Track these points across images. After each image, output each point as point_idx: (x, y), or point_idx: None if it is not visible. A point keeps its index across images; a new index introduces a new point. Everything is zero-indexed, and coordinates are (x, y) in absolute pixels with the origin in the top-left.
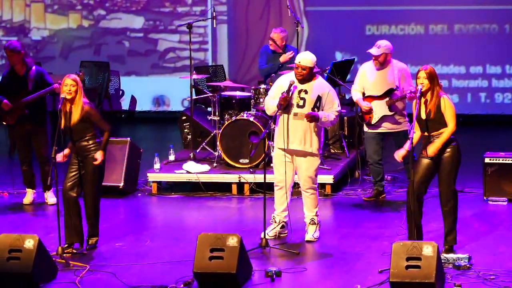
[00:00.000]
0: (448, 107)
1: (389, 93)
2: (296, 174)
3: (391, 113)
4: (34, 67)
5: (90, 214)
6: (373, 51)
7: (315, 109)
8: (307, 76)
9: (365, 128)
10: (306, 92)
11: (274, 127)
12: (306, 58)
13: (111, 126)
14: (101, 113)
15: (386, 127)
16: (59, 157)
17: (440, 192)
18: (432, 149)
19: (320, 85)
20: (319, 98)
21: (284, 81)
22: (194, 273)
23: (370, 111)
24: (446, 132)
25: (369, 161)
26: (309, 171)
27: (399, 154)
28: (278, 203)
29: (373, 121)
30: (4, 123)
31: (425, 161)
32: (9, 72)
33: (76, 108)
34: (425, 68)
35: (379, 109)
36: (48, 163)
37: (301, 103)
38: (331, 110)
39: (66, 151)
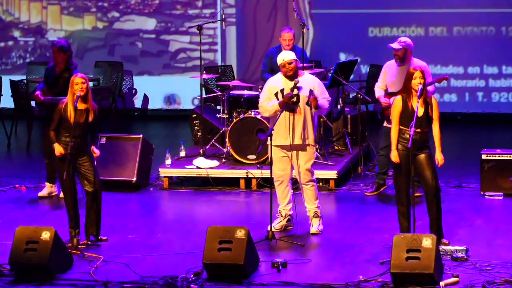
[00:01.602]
0: (436, 107)
1: None
2: (293, 169)
3: None
4: (72, 71)
5: (100, 208)
6: (394, 45)
7: (309, 102)
8: (296, 68)
9: (384, 123)
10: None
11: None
12: (286, 54)
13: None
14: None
15: None
16: (58, 152)
17: (430, 187)
18: (441, 156)
19: (309, 80)
20: (311, 92)
21: (273, 82)
22: (204, 264)
23: (389, 106)
24: (439, 132)
25: (381, 152)
26: (307, 164)
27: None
28: (281, 197)
29: None
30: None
31: (406, 154)
32: (52, 67)
33: (90, 106)
34: (417, 68)
35: None
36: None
37: (295, 99)
38: (323, 98)
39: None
